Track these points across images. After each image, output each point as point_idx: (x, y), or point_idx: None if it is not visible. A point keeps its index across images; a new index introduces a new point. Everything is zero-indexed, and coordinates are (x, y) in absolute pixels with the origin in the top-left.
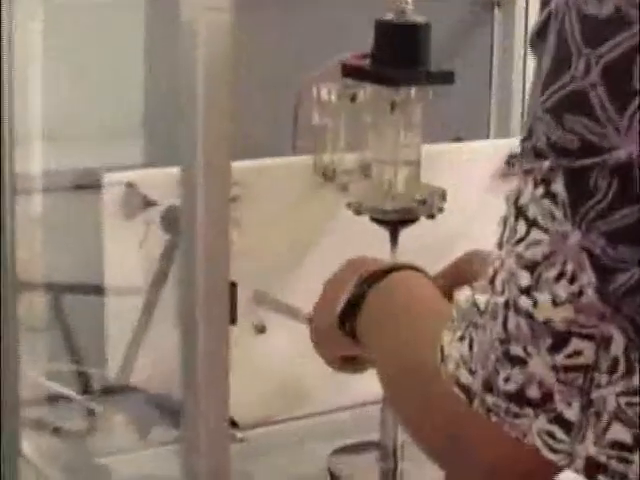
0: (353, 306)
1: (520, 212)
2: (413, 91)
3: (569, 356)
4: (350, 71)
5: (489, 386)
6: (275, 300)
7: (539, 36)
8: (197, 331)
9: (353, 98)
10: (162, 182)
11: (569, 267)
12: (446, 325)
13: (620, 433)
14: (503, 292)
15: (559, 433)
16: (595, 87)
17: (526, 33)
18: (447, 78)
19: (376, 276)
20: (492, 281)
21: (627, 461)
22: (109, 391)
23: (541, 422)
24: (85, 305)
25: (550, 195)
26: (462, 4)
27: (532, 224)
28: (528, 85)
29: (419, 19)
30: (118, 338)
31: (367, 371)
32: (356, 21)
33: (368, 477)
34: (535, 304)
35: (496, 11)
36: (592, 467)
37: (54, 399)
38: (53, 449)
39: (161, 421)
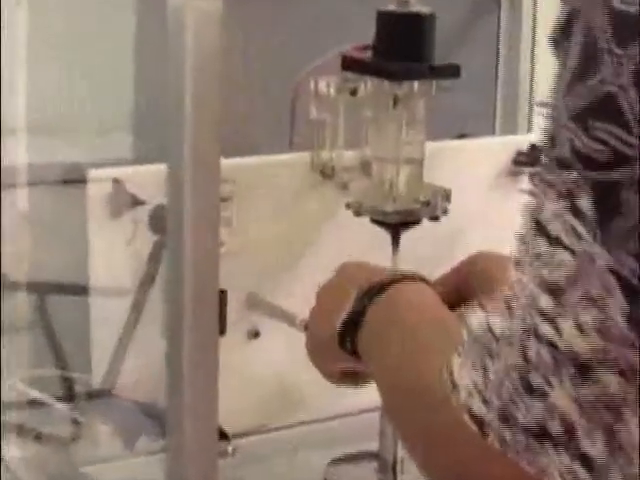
0: (354, 321)
1: (541, 228)
2: (416, 85)
3: (594, 388)
4: (350, 64)
5: (505, 418)
6: (269, 304)
7: (562, 32)
8: (183, 341)
9: (353, 92)
10: (150, 179)
11: (596, 291)
12: (456, 349)
13: None
14: (522, 317)
15: (582, 472)
16: (626, 90)
17: (534, 23)
18: (452, 72)
19: (377, 289)
20: (509, 304)
21: None
22: (94, 396)
23: (562, 460)
24: (70, 306)
25: (575, 211)
26: None
27: (554, 242)
28: (536, 78)
29: (423, 9)
30: (104, 342)
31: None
32: (357, 11)
33: None
34: (558, 331)
35: (502, 0)
36: None
37: (37, 404)
38: (35, 457)
39: (148, 429)
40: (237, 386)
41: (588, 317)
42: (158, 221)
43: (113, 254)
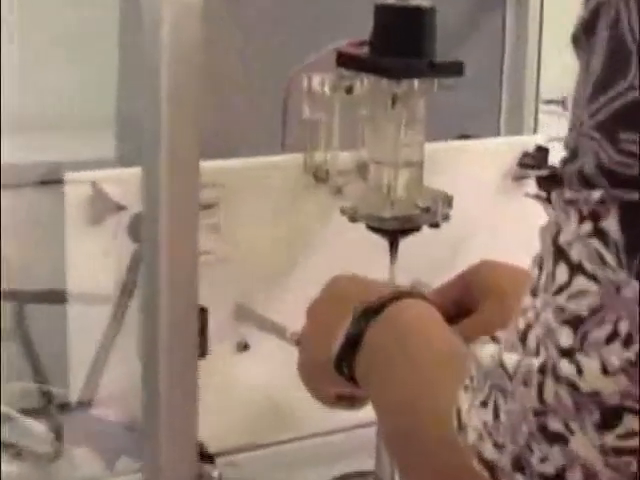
0: (351, 345)
1: (560, 253)
2: (416, 83)
3: (621, 436)
4: (346, 60)
5: (520, 466)
6: (259, 315)
7: (586, 32)
8: (159, 362)
9: (349, 90)
10: (134, 183)
11: (623, 326)
12: (463, 383)
13: None
14: (538, 352)
15: None
16: None
17: (541, 18)
18: (455, 69)
19: (374, 309)
20: (524, 337)
21: None
22: (73, 410)
23: None
24: (48, 315)
25: (600, 234)
26: None
27: (576, 269)
28: (542, 76)
29: (423, 2)
30: (83, 353)
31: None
32: (354, 4)
33: None
34: (580, 371)
35: None
36: None
37: (14, 419)
38: (14, 474)
39: (129, 446)
40: (226, 401)
41: (613, 355)
42: (139, 229)
43: (92, 262)
